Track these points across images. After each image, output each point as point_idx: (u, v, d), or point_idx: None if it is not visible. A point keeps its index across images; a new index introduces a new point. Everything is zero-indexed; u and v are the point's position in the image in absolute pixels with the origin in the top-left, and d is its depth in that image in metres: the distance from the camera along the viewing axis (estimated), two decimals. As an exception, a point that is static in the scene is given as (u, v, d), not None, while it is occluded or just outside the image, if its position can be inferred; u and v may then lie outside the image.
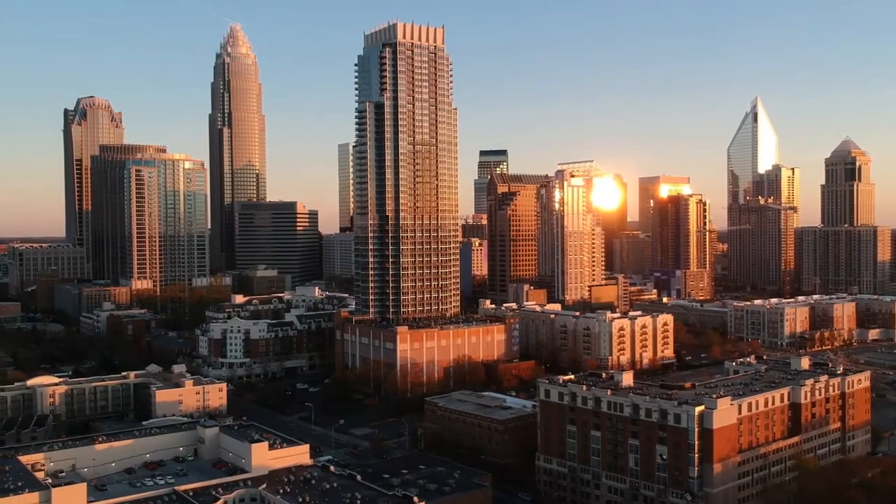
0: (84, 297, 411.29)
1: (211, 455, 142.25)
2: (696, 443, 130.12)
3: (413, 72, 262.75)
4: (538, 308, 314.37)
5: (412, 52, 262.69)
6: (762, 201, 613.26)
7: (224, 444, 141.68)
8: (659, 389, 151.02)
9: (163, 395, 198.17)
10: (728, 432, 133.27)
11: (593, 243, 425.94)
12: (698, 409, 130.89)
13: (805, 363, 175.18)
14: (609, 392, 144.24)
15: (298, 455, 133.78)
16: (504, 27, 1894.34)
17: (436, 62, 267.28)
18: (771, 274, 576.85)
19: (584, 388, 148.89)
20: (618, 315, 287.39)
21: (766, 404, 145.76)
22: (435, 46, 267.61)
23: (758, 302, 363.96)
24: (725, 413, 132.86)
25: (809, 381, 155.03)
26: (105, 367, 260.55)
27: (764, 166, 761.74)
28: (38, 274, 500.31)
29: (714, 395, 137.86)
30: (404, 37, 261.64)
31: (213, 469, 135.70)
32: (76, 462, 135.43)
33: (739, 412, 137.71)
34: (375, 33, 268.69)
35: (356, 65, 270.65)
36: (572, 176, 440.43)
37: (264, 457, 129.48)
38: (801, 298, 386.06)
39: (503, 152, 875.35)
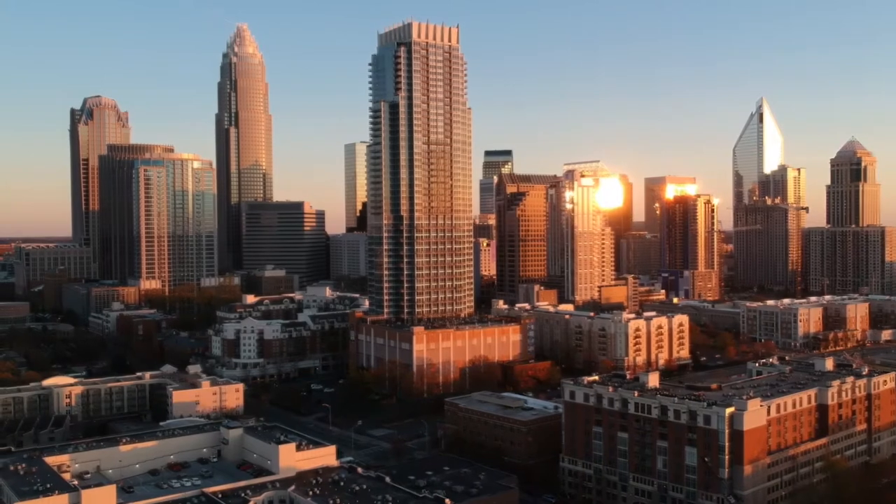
0: (93, 297, 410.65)
1: (235, 456, 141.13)
2: (727, 444, 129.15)
3: (428, 71, 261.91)
4: (552, 308, 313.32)
5: (427, 51, 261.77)
6: (769, 202, 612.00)
7: (249, 446, 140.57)
8: (686, 391, 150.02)
9: (180, 396, 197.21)
10: (758, 434, 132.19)
11: (603, 243, 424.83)
12: (728, 410, 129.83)
13: (829, 364, 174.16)
14: (636, 393, 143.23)
15: (325, 456, 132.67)
16: (507, 27, 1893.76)
17: (450, 62, 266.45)
18: (778, 274, 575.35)
19: (611, 389, 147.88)
20: (633, 316, 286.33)
21: (793, 405, 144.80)
22: (450, 46, 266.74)
23: (770, 302, 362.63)
24: (755, 414, 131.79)
25: (836, 383, 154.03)
26: (117, 368, 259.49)
27: (769, 167, 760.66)
28: (44, 274, 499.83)
29: (743, 397, 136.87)
30: (419, 36, 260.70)
31: (239, 471, 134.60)
32: (101, 463, 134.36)
33: (768, 413, 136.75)
34: (390, 33, 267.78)
35: (370, 64, 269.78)
36: (582, 176, 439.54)
37: (292, 458, 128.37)
38: (812, 299, 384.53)
39: (508, 152, 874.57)
